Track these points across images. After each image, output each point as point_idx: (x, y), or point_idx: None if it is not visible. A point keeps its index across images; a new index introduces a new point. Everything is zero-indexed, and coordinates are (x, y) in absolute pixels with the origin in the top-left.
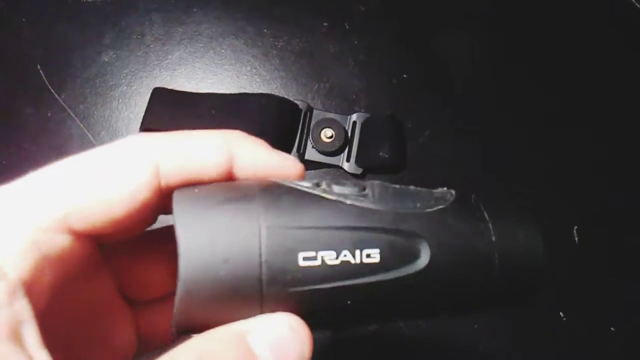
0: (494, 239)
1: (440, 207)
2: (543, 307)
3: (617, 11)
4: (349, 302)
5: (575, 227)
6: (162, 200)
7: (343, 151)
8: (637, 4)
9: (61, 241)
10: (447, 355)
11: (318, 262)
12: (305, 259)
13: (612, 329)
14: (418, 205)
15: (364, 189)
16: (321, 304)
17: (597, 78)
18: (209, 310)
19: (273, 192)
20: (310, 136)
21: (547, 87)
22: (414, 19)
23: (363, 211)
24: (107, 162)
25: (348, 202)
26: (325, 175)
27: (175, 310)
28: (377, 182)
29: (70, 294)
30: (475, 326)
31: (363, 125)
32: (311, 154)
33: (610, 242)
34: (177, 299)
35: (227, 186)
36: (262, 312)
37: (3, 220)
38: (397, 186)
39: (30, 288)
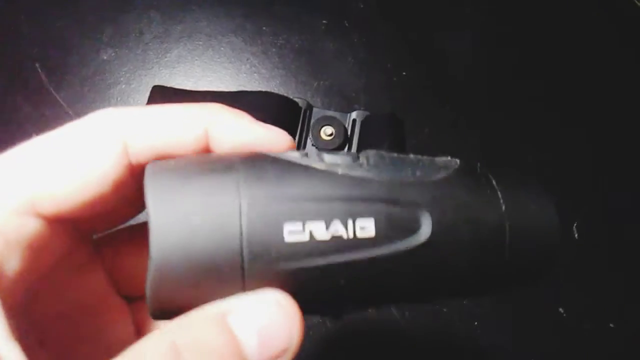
0: (503, 208)
1: (444, 175)
2: (543, 303)
3: (616, 9)
4: (342, 281)
5: (575, 223)
6: (138, 181)
7: (343, 149)
8: (637, 2)
9: (31, 226)
10: (447, 351)
11: (306, 236)
12: (291, 232)
13: (611, 325)
14: (418, 174)
15: (358, 158)
16: (310, 283)
17: (597, 74)
18: (185, 292)
19: (256, 162)
20: (310, 134)
21: (548, 85)
22: (414, 16)
23: (356, 180)
24: (72, 141)
25: (340, 171)
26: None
27: (147, 293)
28: (372, 151)
29: (60, 289)
30: (476, 323)
31: (363, 123)
32: (312, 150)
33: (610, 239)
34: (148, 280)
35: (206, 157)
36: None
37: None
38: (395, 155)
39: None
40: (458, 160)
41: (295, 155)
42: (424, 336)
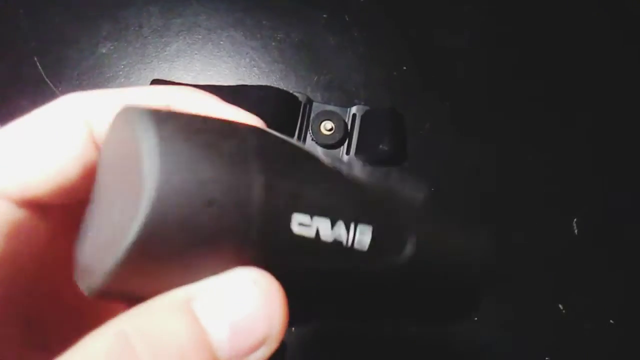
0: (468, 238)
1: (423, 197)
2: (542, 300)
3: (617, 7)
4: (328, 288)
5: (575, 219)
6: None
7: (343, 144)
8: None
9: (3, 210)
10: (446, 348)
11: (312, 233)
12: (300, 224)
13: (611, 321)
14: (406, 190)
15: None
16: (299, 284)
17: (597, 72)
18: (163, 268)
19: (263, 134)
20: (310, 129)
21: (549, 81)
22: (414, 11)
23: (360, 185)
24: (37, 126)
25: (343, 168)
26: None
27: (114, 262)
28: (354, 158)
29: (47, 278)
30: (476, 319)
31: (363, 117)
32: (311, 147)
33: (610, 235)
34: (125, 244)
35: (204, 116)
36: None
37: None
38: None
39: None
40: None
41: (293, 140)
42: (422, 333)
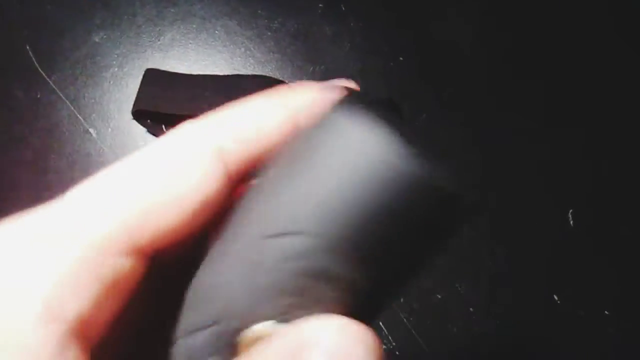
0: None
1: None
2: (537, 291)
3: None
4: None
5: (571, 210)
6: (231, 194)
7: None
8: None
9: (122, 264)
10: (442, 338)
11: None
12: None
13: (606, 312)
14: None
15: None
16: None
17: (594, 62)
18: None
19: None
20: None
21: (544, 71)
22: (412, 2)
23: None
24: (163, 156)
25: None
26: None
27: None
28: None
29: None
30: (471, 309)
31: None
32: None
33: (605, 226)
34: None
35: None
36: None
37: (53, 242)
38: None
39: (85, 330)
40: None
41: None
42: (417, 322)
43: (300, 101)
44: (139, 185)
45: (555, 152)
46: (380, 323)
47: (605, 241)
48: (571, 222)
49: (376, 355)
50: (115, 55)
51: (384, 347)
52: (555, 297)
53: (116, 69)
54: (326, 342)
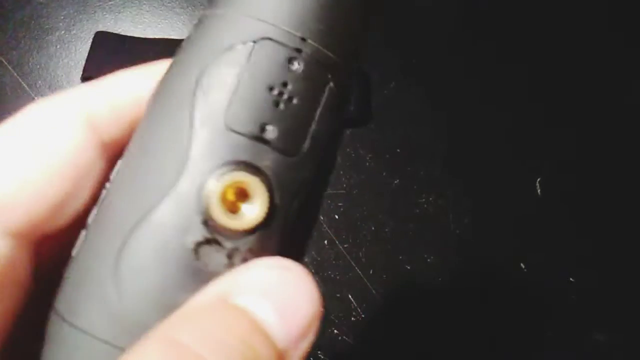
0: None
1: None
2: (504, 259)
3: None
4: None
5: (539, 179)
6: (107, 167)
7: None
8: None
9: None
10: (412, 310)
11: None
12: None
13: (571, 279)
14: None
15: None
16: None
17: (558, 27)
18: None
19: None
20: None
21: (512, 37)
22: None
23: None
24: (30, 129)
25: None
26: None
27: None
28: None
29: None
30: (439, 279)
31: None
32: None
33: (571, 195)
34: None
35: None
36: None
37: None
38: None
39: None
40: None
41: None
42: (386, 293)
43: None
44: (2, 164)
45: (521, 120)
46: (349, 295)
47: (571, 210)
48: (539, 191)
49: (309, 288)
50: (62, 17)
51: (352, 318)
52: (522, 266)
53: (63, 32)
54: (258, 281)
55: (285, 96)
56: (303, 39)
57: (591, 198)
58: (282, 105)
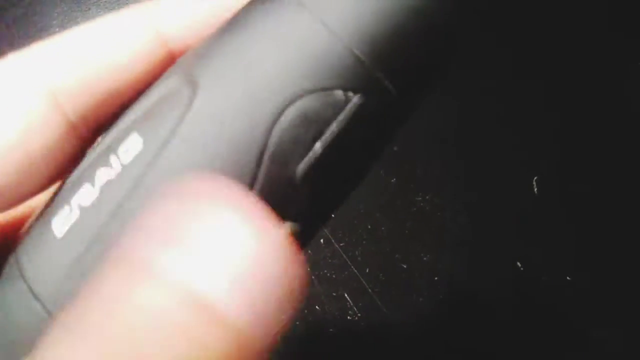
0: None
1: None
2: (500, 257)
3: None
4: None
5: (535, 177)
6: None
7: None
8: None
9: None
10: (405, 308)
11: None
12: None
13: (568, 277)
14: None
15: None
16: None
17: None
18: None
19: None
20: None
21: (512, 30)
22: None
23: None
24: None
25: None
26: None
27: None
28: None
29: None
30: (436, 278)
31: None
32: None
33: (569, 194)
34: None
35: None
36: None
37: None
38: None
39: None
40: None
41: None
42: (383, 292)
43: (170, 20)
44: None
45: (517, 115)
46: (345, 294)
47: (569, 208)
48: (535, 190)
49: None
50: (56, 14)
51: (348, 317)
52: (519, 264)
53: (57, 29)
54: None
55: None
56: None
57: (588, 197)
58: None
